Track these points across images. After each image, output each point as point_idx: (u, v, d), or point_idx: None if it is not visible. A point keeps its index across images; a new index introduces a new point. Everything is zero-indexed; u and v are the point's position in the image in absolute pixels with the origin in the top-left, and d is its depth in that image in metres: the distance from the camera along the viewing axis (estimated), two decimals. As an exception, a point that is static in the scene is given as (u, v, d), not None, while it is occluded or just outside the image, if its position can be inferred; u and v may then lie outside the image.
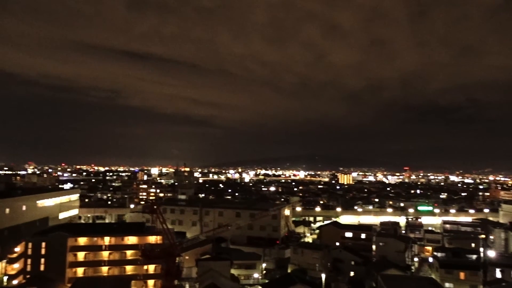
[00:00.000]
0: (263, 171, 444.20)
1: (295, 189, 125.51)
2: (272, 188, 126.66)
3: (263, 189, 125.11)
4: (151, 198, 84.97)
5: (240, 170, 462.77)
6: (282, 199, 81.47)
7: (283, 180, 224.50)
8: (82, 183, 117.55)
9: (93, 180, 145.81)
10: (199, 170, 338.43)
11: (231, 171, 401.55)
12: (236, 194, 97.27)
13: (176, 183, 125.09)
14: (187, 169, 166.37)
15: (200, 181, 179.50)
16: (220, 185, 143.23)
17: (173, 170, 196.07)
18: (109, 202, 74.32)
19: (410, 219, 58.12)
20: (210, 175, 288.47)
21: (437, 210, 65.97)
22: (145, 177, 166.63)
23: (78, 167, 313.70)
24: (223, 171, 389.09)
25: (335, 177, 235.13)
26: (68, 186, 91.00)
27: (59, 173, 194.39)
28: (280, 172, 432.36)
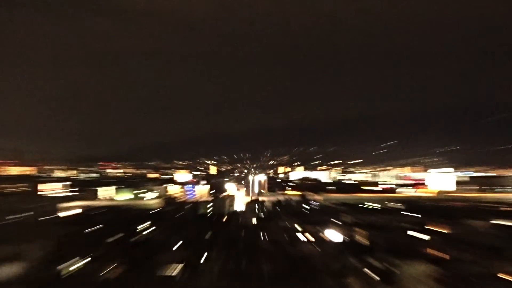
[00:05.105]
0: (290, 170, 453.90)
1: (422, 237, 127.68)
2: (333, 233, 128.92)
3: (297, 234, 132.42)
4: None
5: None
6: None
7: (373, 206, 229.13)
8: None
9: None
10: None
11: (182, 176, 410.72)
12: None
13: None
14: None
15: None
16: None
17: None
18: None
19: None
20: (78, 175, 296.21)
21: None
22: None
23: None
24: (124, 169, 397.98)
25: None
26: None
27: None
28: (357, 175, 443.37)
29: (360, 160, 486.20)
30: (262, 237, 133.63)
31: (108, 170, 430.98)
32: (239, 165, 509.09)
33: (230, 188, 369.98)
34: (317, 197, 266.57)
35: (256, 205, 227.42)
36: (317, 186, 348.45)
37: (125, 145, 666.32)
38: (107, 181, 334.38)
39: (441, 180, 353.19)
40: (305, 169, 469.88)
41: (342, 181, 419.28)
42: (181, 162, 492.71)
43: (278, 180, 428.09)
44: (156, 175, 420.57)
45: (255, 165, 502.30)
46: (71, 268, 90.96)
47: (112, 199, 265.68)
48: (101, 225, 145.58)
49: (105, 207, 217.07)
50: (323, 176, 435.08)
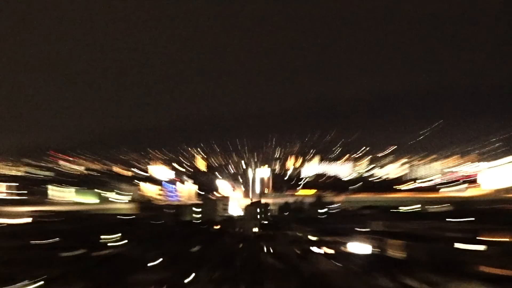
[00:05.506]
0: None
1: None
2: (358, 246, 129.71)
3: (311, 246, 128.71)
4: None
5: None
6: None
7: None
8: None
9: None
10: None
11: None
12: None
13: None
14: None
15: None
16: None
17: None
18: None
19: None
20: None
21: None
22: None
23: None
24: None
25: None
26: None
27: None
28: (389, 169, 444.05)
29: (393, 147, 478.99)
30: (265, 251, 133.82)
31: (63, 164, 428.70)
32: (235, 157, 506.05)
33: (224, 187, 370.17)
34: (336, 198, 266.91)
35: (258, 209, 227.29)
36: (336, 184, 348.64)
37: (84, 133, 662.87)
38: (64, 180, 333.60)
39: (499, 175, 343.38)
40: (321, 161, 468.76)
41: (369, 177, 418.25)
42: (159, 155, 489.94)
43: (286, 176, 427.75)
44: (128, 173, 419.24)
45: (256, 157, 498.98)
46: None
47: (72, 203, 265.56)
48: (57, 238, 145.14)
49: (62, 213, 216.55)
50: (344, 171, 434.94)
